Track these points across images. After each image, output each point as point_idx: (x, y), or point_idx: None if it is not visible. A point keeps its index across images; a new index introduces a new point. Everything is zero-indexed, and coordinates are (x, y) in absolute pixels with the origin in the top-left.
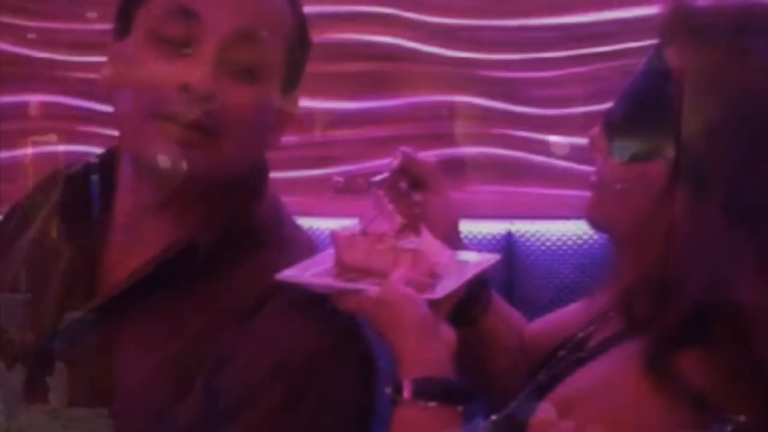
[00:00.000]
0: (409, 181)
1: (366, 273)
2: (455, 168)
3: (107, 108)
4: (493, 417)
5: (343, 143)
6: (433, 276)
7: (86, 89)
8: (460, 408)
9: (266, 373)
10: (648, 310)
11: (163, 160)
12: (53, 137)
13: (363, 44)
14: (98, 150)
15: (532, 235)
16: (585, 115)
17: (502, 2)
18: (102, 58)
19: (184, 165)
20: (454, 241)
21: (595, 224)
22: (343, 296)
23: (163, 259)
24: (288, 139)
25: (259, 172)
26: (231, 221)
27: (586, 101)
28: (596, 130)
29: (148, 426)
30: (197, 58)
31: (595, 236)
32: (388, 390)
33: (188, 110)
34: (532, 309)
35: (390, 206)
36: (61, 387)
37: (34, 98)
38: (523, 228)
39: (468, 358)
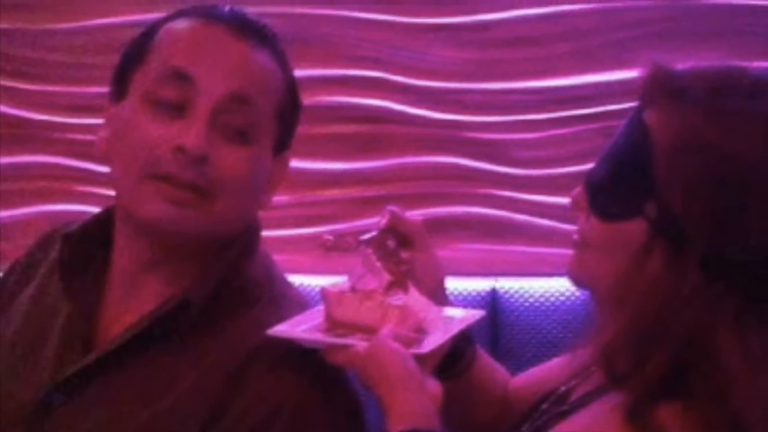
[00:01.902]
0: (397, 240)
1: (355, 329)
2: (441, 227)
3: (104, 169)
4: None
5: (333, 203)
6: (420, 331)
7: (84, 150)
8: None
9: (257, 426)
10: (628, 364)
11: (158, 220)
12: (52, 197)
13: (352, 107)
14: (95, 209)
15: (516, 292)
16: (567, 175)
17: (486, 66)
18: (99, 121)
19: (178, 224)
20: (441, 298)
21: (577, 281)
22: (333, 351)
23: (158, 314)
24: (279, 198)
25: (252, 230)
26: (224, 278)
27: (568, 162)
28: (578, 189)
29: None
30: (191, 120)
31: (577, 293)
32: None
33: (182, 171)
34: (516, 363)
35: (378, 264)
36: None
37: (33, 159)
38: (507, 285)
39: (454, 411)
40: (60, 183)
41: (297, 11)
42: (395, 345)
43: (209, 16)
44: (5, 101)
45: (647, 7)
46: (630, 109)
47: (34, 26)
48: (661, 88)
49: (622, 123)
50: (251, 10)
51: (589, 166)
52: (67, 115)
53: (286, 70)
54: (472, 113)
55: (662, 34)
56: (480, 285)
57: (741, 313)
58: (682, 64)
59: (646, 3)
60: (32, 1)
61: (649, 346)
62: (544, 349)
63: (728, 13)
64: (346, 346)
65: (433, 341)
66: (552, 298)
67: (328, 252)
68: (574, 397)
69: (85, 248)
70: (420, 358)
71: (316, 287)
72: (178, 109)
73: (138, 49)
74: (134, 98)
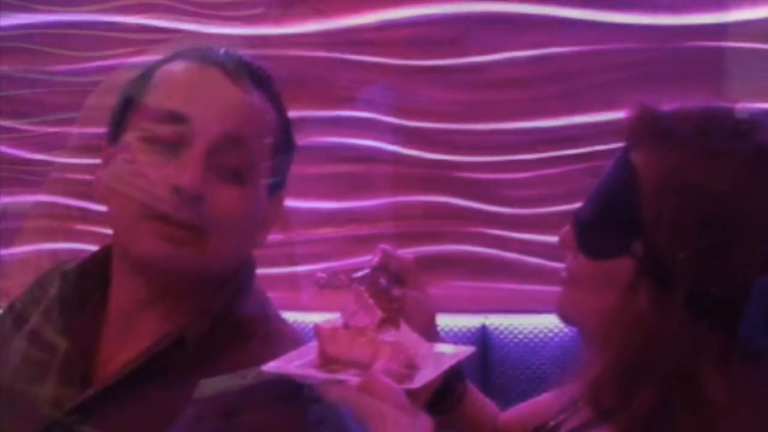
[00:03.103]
0: (389, 278)
1: (348, 364)
2: (432, 265)
3: (101, 208)
4: None
5: (326, 241)
6: (411, 367)
7: (82, 190)
8: None
9: None
10: (615, 400)
11: (155, 258)
12: (51, 235)
13: (345, 147)
14: (94, 248)
15: (506, 329)
16: (555, 214)
17: (477, 107)
18: (97, 161)
19: (174, 262)
20: (432, 334)
21: (565, 318)
22: (326, 387)
23: (154, 351)
24: (273, 236)
25: (247, 268)
26: (219, 315)
27: (557, 201)
28: (566, 228)
29: None
30: (187, 160)
31: (566, 329)
32: None
33: (178, 210)
34: (506, 398)
35: (370, 301)
36: None
37: (33, 198)
38: (496, 322)
39: None
40: (59, 222)
41: (291, 53)
42: (387, 380)
43: (205, 58)
44: (5, 141)
45: (634, 50)
46: (617, 149)
47: (34, 68)
48: (648, 128)
49: (610, 163)
50: (246, 53)
51: (577, 205)
52: (65, 156)
53: (281, 111)
54: (463, 153)
55: (649, 75)
56: (470, 322)
57: (726, 349)
58: (668, 106)
59: (633, 45)
60: (32, 44)
61: (636, 381)
62: (533, 385)
63: (713, 56)
64: (339, 382)
65: (424, 377)
66: (541, 335)
67: (322, 289)
68: (562, 431)
69: (83, 286)
70: (411, 394)
71: (310, 324)
72: (174, 150)
73: (135, 90)
74: (131, 138)
